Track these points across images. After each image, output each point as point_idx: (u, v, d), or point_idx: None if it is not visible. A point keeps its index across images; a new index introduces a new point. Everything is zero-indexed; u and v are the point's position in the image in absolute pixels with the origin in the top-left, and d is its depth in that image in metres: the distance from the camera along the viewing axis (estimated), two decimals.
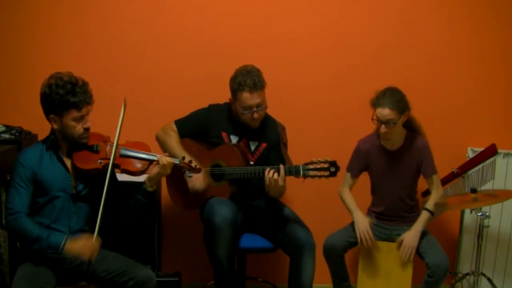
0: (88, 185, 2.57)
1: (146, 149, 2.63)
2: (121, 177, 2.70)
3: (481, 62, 3.55)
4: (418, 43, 3.52)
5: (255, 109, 2.88)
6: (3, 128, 3.11)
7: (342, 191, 3.12)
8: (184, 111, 3.09)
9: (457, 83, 3.57)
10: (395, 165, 3.05)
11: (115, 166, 2.54)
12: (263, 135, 3.04)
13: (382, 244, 3.04)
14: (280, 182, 2.75)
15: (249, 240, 3.00)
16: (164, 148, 3.00)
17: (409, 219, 3.06)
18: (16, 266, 2.49)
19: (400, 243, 2.96)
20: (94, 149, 2.55)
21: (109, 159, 2.51)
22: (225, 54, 3.42)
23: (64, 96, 2.40)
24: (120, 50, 3.43)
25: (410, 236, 2.95)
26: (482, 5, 3.51)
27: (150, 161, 2.58)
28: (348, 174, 3.12)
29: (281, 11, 3.47)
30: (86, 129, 2.49)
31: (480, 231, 3.15)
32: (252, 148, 3.03)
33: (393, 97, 2.90)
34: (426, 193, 3.28)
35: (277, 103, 3.23)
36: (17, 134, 3.11)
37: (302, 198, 3.50)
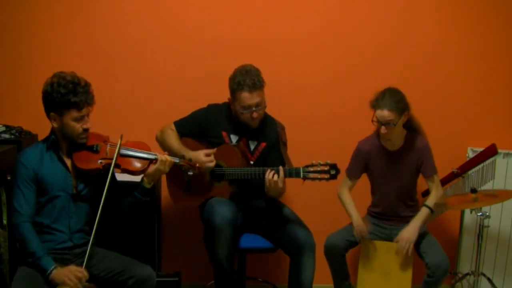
0: (89, 185, 2.58)
1: (146, 148, 2.63)
2: (121, 177, 2.70)
3: (481, 62, 3.55)
4: (418, 43, 3.52)
5: (254, 108, 2.89)
6: (3, 128, 3.11)
7: (342, 192, 3.12)
8: (184, 111, 3.09)
9: (457, 83, 3.57)
10: (395, 165, 3.05)
11: (115, 165, 2.54)
12: (262, 134, 3.04)
13: (381, 244, 3.04)
14: (280, 184, 2.75)
15: (249, 240, 3.00)
16: (164, 147, 3.00)
17: (409, 219, 3.05)
18: (16, 266, 2.49)
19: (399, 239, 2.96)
20: (94, 149, 2.55)
21: (109, 159, 2.52)
22: (225, 54, 3.42)
23: (65, 95, 2.40)
24: (120, 50, 3.43)
25: (408, 231, 2.94)
26: (482, 5, 3.51)
27: (150, 160, 2.58)
28: (349, 176, 3.12)
29: (281, 11, 3.47)
30: (85, 130, 2.49)
31: (480, 231, 3.16)
32: (252, 147, 3.03)
33: (393, 98, 2.90)
34: (426, 193, 3.28)
35: (277, 103, 3.23)
36: (17, 134, 3.11)
37: (302, 198, 3.50)
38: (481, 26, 3.52)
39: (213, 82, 3.31)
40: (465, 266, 3.49)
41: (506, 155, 3.45)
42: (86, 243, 2.57)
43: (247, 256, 3.16)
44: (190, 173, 2.76)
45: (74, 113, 2.44)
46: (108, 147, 2.57)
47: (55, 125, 2.50)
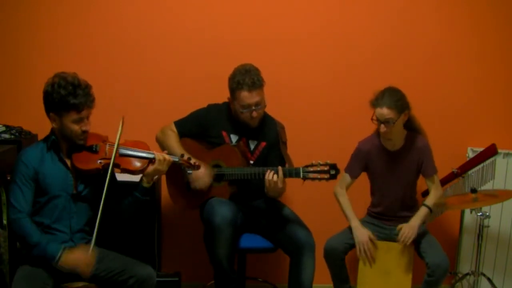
0: (89, 185, 2.57)
1: (145, 147, 2.63)
2: (121, 176, 2.70)
3: (481, 62, 3.55)
4: (418, 43, 3.52)
5: (254, 107, 2.89)
6: (3, 128, 3.11)
7: (339, 192, 3.10)
8: (184, 111, 3.09)
9: (457, 83, 3.57)
10: (395, 166, 3.05)
11: (115, 165, 2.54)
12: (262, 134, 3.04)
13: (381, 244, 3.04)
14: (280, 184, 2.75)
15: (249, 240, 3.00)
16: (164, 148, 3.00)
17: (408, 219, 3.05)
18: (16, 266, 2.49)
19: (399, 234, 2.95)
20: (94, 149, 2.54)
21: (109, 159, 2.51)
22: (225, 54, 3.42)
23: (65, 96, 2.40)
24: (120, 50, 3.43)
25: (408, 226, 2.93)
26: (482, 5, 3.51)
27: (150, 160, 2.58)
28: (347, 175, 3.11)
29: (281, 11, 3.47)
30: (84, 132, 2.49)
31: (480, 231, 3.16)
32: (252, 147, 3.03)
33: (392, 96, 2.90)
34: (426, 193, 3.27)
35: (277, 103, 3.23)
36: (17, 134, 3.11)
37: (302, 198, 3.50)
38: (481, 26, 3.52)
39: (213, 82, 3.31)
40: (465, 266, 3.49)
41: (506, 155, 3.45)
42: (86, 243, 2.57)
43: (247, 256, 3.16)
44: (190, 172, 2.76)
45: (74, 115, 2.44)
46: (107, 147, 2.56)
47: (54, 125, 2.50)
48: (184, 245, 3.57)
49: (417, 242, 2.98)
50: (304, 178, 2.74)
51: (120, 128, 2.53)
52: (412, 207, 3.10)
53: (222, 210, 2.75)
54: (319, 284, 3.12)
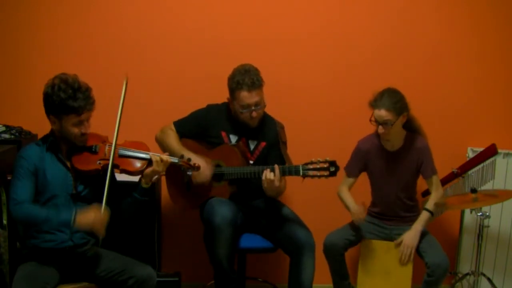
0: (88, 185, 2.57)
1: (145, 148, 2.63)
2: (120, 176, 2.70)
3: (481, 62, 3.55)
4: (418, 43, 3.52)
5: (253, 107, 2.89)
6: (3, 128, 3.11)
7: (341, 190, 3.12)
8: (184, 111, 3.09)
9: (457, 83, 3.57)
10: (395, 166, 3.05)
11: (114, 166, 2.54)
12: (262, 134, 3.04)
13: (381, 244, 3.04)
14: (276, 183, 2.74)
15: (249, 240, 3.00)
16: (163, 147, 3.00)
17: (408, 219, 3.06)
18: (16, 266, 2.49)
19: (400, 244, 2.96)
20: (93, 150, 2.54)
21: (108, 160, 2.51)
22: (225, 54, 3.42)
23: (65, 100, 2.39)
24: (120, 50, 3.43)
25: (410, 236, 2.95)
26: (482, 5, 3.51)
27: (149, 161, 2.58)
28: (348, 175, 3.12)
29: (281, 11, 3.47)
30: (84, 134, 2.49)
31: (480, 231, 3.15)
32: (252, 147, 3.03)
33: (391, 98, 2.90)
34: (426, 193, 3.28)
35: (277, 103, 3.24)
36: (17, 134, 3.11)
37: (302, 197, 3.50)
38: (481, 26, 3.52)
39: (213, 82, 3.31)
40: (465, 266, 3.49)
41: (506, 155, 3.45)
42: (87, 243, 2.58)
43: (247, 256, 3.16)
44: (189, 173, 2.76)
45: (73, 118, 2.43)
46: (107, 147, 2.56)
47: (54, 127, 2.50)
48: (184, 245, 3.57)
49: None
50: (304, 176, 2.73)
51: (123, 89, 2.51)
52: (412, 207, 3.11)
53: (222, 210, 2.75)
54: (319, 284, 3.12)
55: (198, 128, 3.04)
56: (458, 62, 3.55)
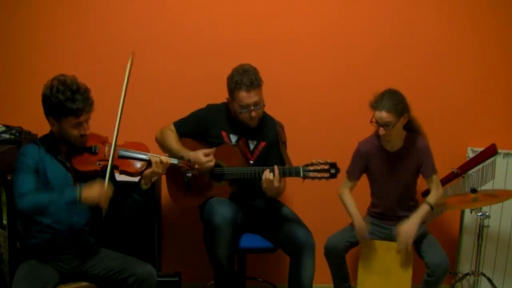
0: None
1: (145, 149, 2.62)
2: (120, 176, 2.70)
3: (481, 62, 3.55)
4: (418, 43, 3.52)
5: (252, 107, 2.89)
6: (3, 128, 3.11)
7: (343, 193, 3.11)
8: (184, 111, 3.09)
9: (457, 83, 3.57)
10: (395, 166, 3.05)
11: (114, 167, 2.54)
12: (261, 133, 3.04)
13: (382, 244, 3.04)
14: (275, 183, 2.74)
15: (249, 240, 3.00)
16: (163, 148, 3.01)
17: None
18: (16, 266, 2.49)
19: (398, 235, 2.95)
20: (93, 150, 2.54)
21: (108, 160, 2.51)
22: (225, 54, 3.42)
23: (63, 102, 2.39)
24: (120, 50, 3.42)
25: (407, 225, 2.91)
26: (482, 5, 3.51)
27: (149, 162, 2.58)
28: (349, 177, 3.11)
29: (281, 11, 3.47)
30: (83, 136, 2.49)
31: (480, 231, 3.16)
32: (251, 147, 3.03)
33: (392, 99, 2.89)
34: (426, 193, 3.27)
35: (277, 103, 3.24)
36: (17, 134, 3.11)
37: (302, 198, 3.50)
38: (481, 26, 3.52)
39: (213, 82, 3.30)
40: (465, 266, 3.49)
41: (506, 155, 3.45)
42: (86, 243, 2.58)
43: (247, 256, 3.16)
44: (189, 174, 2.76)
45: (72, 120, 2.43)
46: (107, 148, 2.56)
47: (53, 128, 2.50)
48: (184, 245, 3.57)
49: (417, 242, 2.98)
50: (304, 177, 2.74)
51: (128, 67, 2.53)
52: (412, 207, 3.10)
53: (222, 210, 2.75)
54: (319, 284, 3.12)
55: (198, 128, 3.04)
56: (458, 62, 3.55)
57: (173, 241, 3.58)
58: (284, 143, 3.02)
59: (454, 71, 3.56)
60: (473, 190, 2.99)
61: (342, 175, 2.86)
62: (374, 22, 3.49)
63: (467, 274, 3.35)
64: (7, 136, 3.06)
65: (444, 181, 3.34)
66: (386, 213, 3.12)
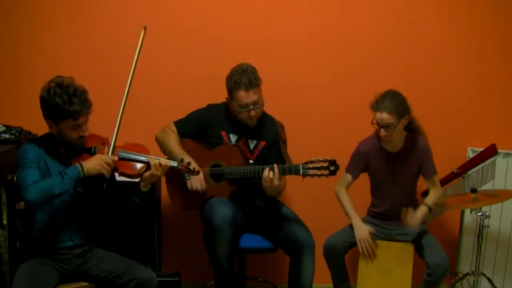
0: (87, 186, 2.57)
1: (145, 151, 2.61)
2: (120, 177, 2.70)
3: (481, 62, 3.55)
4: (418, 43, 3.52)
5: (251, 107, 2.89)
6: (3, 128, 3.11)
7: (339, 190, 3.11)
8: (184, 111, 3.09)
9: (457, 83, 3.57)
10: (395, 167, 3.05)
11: (113, 169, 2.53)
12: (261, 133, 3.04)
13: (381, 244, 3.04)
14: (275, 182, 2.74)
15: (249, 240, 3.00)
16: (163, 149, 3.01)
17: None
18: (16, 266, 2.49)
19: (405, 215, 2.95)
20: (92, 151, 2.53)
21: None
22: (225, 54, 3.42)
23: (61, 105, 2.38)
24: (120, 50, 3.42)
25: (416, 217, 2.93)
26: (482, 5, 3.51)
27: (148, 164, 2.57)
28: (347, 175, 3.11)
29: (281, 11, 3.47)
30: (82, 137, 2.48)
31: (480, 231, 3.16)
32: (251, 146, 3.03)
33: (393, 101, 2.89)
34: (426, 193, 3.27)
35: (277, 103, 3.24)
36: (17, 134, 3.11)
37: (302, 197, 3.50)
38: (481, 26, 3.52)
39: (213, 82, 3.30)
40: (465, 266, 3.49)
41: (506, 155, 3.45)
42: (86, 243, 2.58)
43: (247, 256, 3.16)
44: (188, 177, 2.76)
45: (70, 123, 2.42)
46: (106, 149, 2.55)
47: (52, 130, 2.50)
48: (184, 245, 3.57)
49: (417, 242, 2.98)
50: (304, 175, 2.74)
51: (140, 40, 2.56)
52: (412, 208, 3.10)
53: (222, 210, 2.75)
54: (319, 284, 3.12)
55: (198, 128, 3.04)
56: (458, 62, 3.55)
57: (173, 241, 3.58)
58: (285, 142, 3.01)
59: (454, 71, 3.56)
60: (473, 190, 2.98)
61: (340, 173, 2.85)
62: (374, 22, 3.49)
63: (467, 274, 3.35)
64: (7, 136, 3.07)
65: (444, 181, 3.34)
66: (386, 213, 3.12)
